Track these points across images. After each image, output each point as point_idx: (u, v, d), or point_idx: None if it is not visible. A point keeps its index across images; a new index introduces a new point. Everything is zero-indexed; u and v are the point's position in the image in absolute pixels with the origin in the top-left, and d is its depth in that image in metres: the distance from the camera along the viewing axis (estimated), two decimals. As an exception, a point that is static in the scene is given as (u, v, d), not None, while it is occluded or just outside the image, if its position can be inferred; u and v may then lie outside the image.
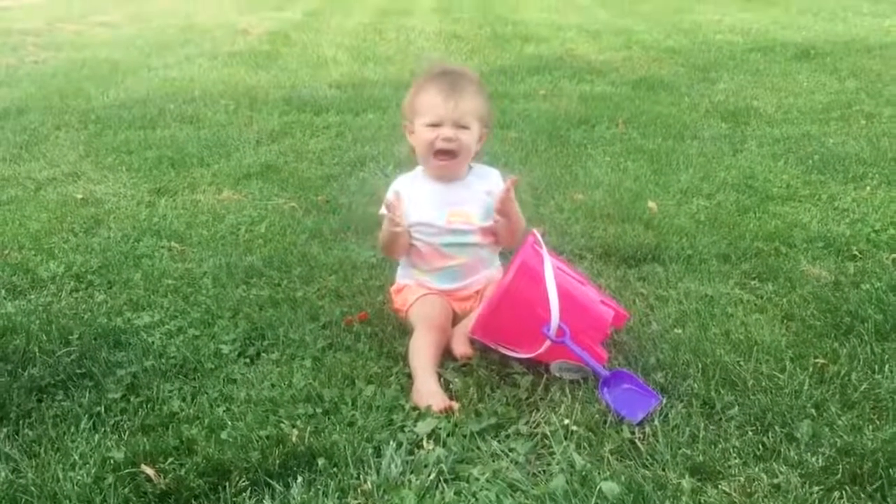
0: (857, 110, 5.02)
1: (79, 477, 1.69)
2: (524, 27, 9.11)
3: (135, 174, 3.91)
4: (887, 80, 5.90)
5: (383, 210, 2.34)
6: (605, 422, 1.88)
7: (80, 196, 3.58)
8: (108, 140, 4.55)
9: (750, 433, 1.84)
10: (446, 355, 2.19)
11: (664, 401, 1.94)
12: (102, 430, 1.89)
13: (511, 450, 1.82)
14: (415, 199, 2.34)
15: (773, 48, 7.38)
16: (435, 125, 2.26)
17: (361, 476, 1.72)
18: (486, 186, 2.36)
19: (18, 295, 2.63)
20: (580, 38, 8.34)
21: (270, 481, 1.70)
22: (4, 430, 1.89)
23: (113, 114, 5.14)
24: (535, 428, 1.89)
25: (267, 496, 1.67)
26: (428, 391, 1.99)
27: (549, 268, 2.06)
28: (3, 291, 2.64)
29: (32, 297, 2.61)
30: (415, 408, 1.95)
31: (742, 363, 2.10)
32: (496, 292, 2.09)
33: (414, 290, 2.37)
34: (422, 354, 2.12)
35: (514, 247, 2.33)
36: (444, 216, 2.33)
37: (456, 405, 1.95)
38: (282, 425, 1.88)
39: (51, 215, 3.33)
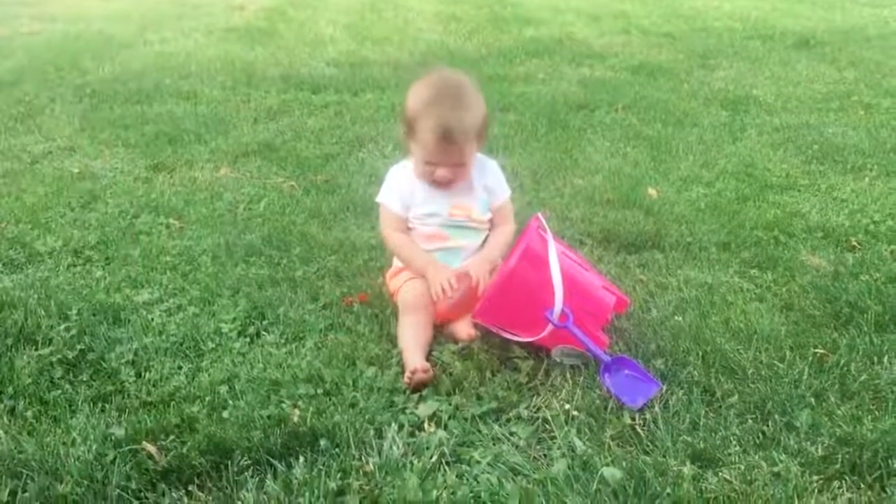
0: (855, 101, 5.02)
1: (80, 453, 1.69)
2: (523, 9, 9.04)
3: (132, 149, 3.88)
4: (886, 71, 5.89)
5: (381, 198, 2.36)
6: (605, 407, 1.89)
7: (76, 170, 3.55)
8: (105, 114, 4.50)
9: (750, 421, 1.85)
10: (449, 339, 2.19)
11: (664, 388, 1.95)
12: (103, 406, 1.88)
13: (512, 434, 1.83)
14: (417, 194, 2.32)
15: (773, 36, 7.36)
16: (431, 163, 2.24)
17: (363, 457, 1.73)
18: (484, 181, 2.36)
19: (16, 269, 2.61)
20: (579, 21, 8.29)
21: (272, 461, 1.70)
22: (4, 404, 1.88)
23: (108, 87, 5.09)
24: (535, 412, 1.90)
25: (269, 475, 1.67)
26: (410, 363, 2.02)
27: (554, 252, 2.06)
28: (0, 265, 2.63)
29: (30, 271, 2.59)
30: (415, 390, 1.96)
31: (742, 351, 2.11)
32: (499, 276, 2.08)
33: (403, 276, 2.36)
34: (405, 338, 2.15)
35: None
36: (447, 208, 2.33)
37: (429, 371, 1.97)
38: (283, 405, 1.88)
39: (47, 189, 3.31)
